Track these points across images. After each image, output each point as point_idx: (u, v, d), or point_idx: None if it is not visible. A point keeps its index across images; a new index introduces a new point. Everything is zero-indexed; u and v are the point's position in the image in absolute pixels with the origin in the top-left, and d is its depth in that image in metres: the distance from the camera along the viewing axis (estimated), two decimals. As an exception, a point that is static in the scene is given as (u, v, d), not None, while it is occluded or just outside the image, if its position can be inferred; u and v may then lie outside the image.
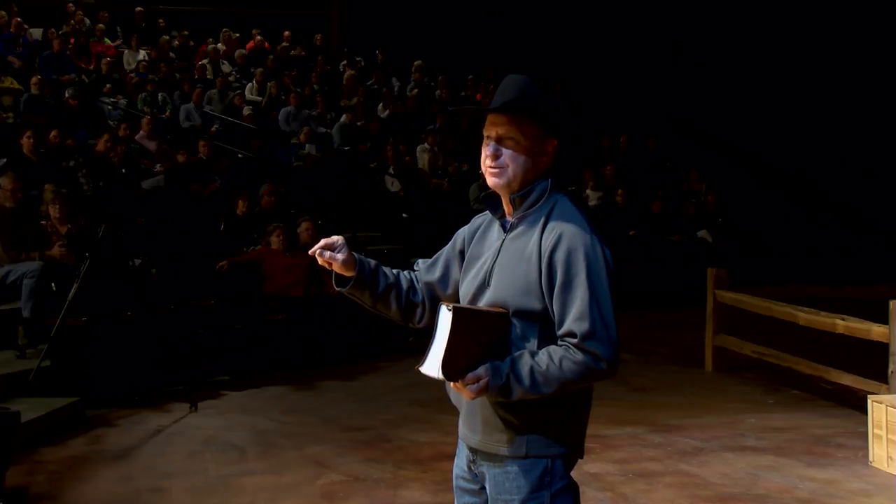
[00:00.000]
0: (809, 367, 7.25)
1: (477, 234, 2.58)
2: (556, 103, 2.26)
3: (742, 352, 8.10)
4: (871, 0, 14.91)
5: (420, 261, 2.71)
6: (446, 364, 2.25)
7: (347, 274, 2.53)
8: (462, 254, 2.60)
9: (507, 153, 2.41)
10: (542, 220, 2.39)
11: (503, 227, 2.49)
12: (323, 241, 2.51)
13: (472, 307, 2.36)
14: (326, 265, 2.52)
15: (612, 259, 2.34)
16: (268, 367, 8.27)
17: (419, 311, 2.62)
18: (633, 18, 17.32)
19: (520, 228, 2.43)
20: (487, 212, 2.57)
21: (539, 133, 2.42)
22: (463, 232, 2.64)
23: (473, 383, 2.27)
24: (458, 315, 2.25)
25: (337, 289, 2.55)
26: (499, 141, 2.42)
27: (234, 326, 8.33)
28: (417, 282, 2.65)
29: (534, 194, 2.43)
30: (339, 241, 2.52)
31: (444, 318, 2.27)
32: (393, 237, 12.05)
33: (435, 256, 2.67)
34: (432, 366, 2.28)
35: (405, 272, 2.67)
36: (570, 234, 2.33)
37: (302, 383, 7.97)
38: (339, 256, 2.50)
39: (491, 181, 2.45)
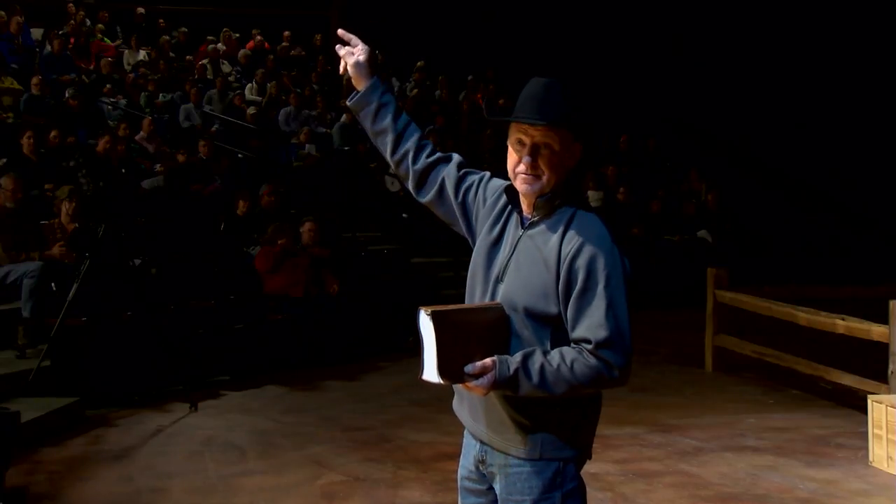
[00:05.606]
0: (809, 367, 7.25)
1: (496, 210, 2.53)
2: (584, 106, 2.21)
3: (742, 352, 8.10)
4: (871, 0, 14.90)
5: (455, 157, 2.68)
6: (442, 367, 2.22)
7: (360, 82, 2.56)
8: (464, 204, 2.61)
9: (543, 161, 2.38)
10: (563, 225, 2.37)
11: (521, 222, 2.46)
12: (345, 35, 2.50)
13: (452, 307, 2.32)
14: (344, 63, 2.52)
15: (630, 269, 2.34)
16: (268, 367, 8.27)
17: (412, 176, 2.71)
18: (633, 18, 17.31)
19: (538, 228, 2.41)
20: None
21: (571, 139, 2.41)
22: (482, 191, 2.59)
23: (480, 375, 2.24)
24: (437, 318, 2.23)
25: (343, 103, 2.52)
26: (535, 148, 2.39)
27: (234, 326, 8.33)
28: (429, 153, 2.68)
29: (555, 196, 2.41)
30: (359, 43, 2.53)
31: (426, 323, 2.24)
32: (393, 237, 12.05)
33: (463, 171, 2.65)
34: (430, 372, 2.25)
35: (426, 142, 2.69)
36: (593, 242, 2.32)
37: (302, 383, 7.97)
38: (358, 58, 2.52)
39: (524, 188, 2.41)
